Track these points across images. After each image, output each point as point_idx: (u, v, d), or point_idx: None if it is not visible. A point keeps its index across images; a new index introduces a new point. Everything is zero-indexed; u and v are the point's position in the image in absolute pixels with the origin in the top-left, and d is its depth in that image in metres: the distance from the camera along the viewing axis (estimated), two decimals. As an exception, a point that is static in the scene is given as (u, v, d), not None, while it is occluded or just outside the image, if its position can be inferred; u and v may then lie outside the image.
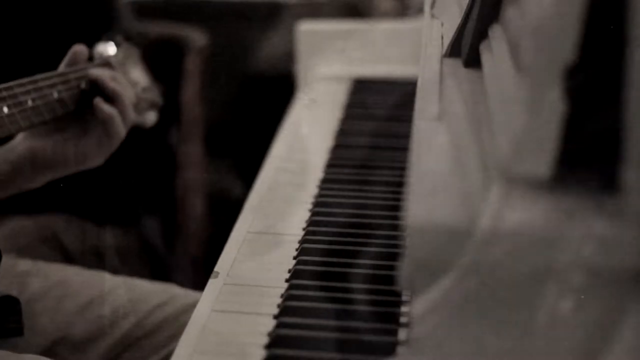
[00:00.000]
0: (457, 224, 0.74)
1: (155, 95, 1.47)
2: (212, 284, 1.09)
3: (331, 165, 1.44)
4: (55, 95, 1.26)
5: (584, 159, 0.75)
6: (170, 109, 2.17)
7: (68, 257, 1.78)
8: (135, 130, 1.38)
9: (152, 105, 1.46)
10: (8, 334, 1.18)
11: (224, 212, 1.82)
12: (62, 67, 1.31)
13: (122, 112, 1.29)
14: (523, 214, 0.74)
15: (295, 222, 1.24)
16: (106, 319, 1.37)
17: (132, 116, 1.32)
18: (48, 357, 1.28)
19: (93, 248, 1.83)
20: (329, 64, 1.87)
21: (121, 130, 1.30)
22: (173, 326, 1.36)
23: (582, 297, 0.71)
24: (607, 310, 0.71)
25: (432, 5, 1.39)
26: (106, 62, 1.37)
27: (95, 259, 1.81)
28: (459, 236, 0.73)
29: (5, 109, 1.18)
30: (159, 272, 2.06)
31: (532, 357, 0.72)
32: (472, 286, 0.72)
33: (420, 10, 1.80)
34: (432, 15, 1.36)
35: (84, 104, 1.30)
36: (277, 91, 2.06)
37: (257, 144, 1.70)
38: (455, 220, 0.74)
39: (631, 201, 0.70)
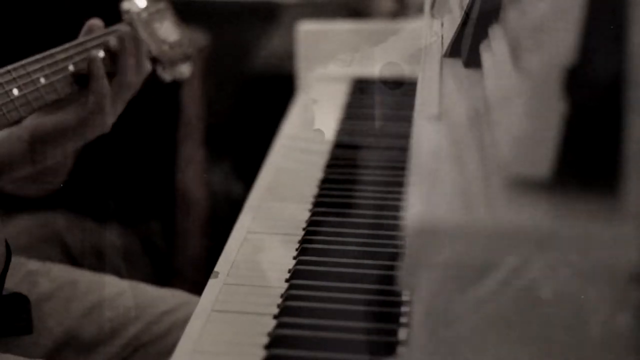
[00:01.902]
0: (457, 223, 0.74)
1: (187, 48, 1.45)
2: (212, 284, 1.09)
3: (331, 165, 1.44)
4: (72, 68, 1.24)
5: (584, 159, 0.75)
6: (170, 109, 2.17)
7: (69, 256, 1.78)
8: (135, 130, 1.38)
9: (184, 58, 1.45)
10: (17, 332, 1.17)
11: (224, 212, 1.82)
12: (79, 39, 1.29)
13: (122, 81, 1.28)
14: (523, 214, 0.74)
15: (295, 222, 1.24)
16: (113, 323, 1.37)
17: (137, 81, 1.30)
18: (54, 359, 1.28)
19: (94, 247, 1.83)
20: (329, 65, 1.87)
21: (128, 93, 1.29)
22: (179, 332, 1.36)
23: (581, 296, 0.71)
24: (606, 310, 0.71)
25: (432, 5, 1.39)
26: (128, 23, 1.35)
27: (96, 258, 1.81)
28: (459, 236, 0.73)
29: (15, 91, 1.16)
30: (159, 271, 2.05)
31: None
32: (472, 287, 0.72)
33: (420, 10, 1.80)
34: (432, 15, 1.36)
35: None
36: (277, 91, 2.05)
37: (257, 144, 1.70)
38: (455, 220, 0.74)
39: (631, 201, 0.70)
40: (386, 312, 1.00)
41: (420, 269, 0.74)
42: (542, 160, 0.74)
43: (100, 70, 1.26)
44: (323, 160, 1.46)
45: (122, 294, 1.40)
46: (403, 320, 0.98)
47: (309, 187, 1.36)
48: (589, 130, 0.74)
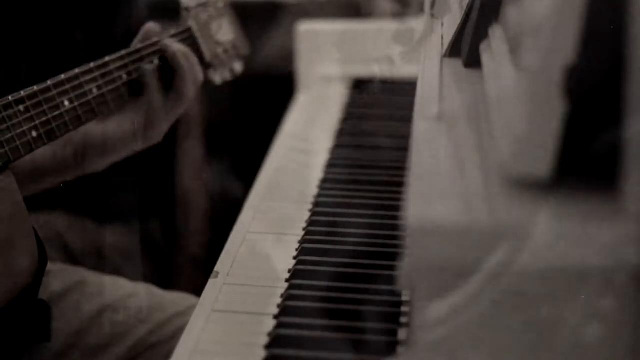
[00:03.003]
0: (457, 224, 0.74)
1: (241, 47, 1.44)
2: (212, 284, 1.09)
3: (331, 165, 1.44)
4: (125, 77, 1.23)
5: (584, 159, 0.75)
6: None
7: (70, 256, 1.78)
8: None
9: (238, 57, 1.44)
10: (36, 339, 1.17)
11: (224, 212, 1.82)
12: (134, 45, 1.28)
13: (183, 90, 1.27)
14: (522, 214, 0.74)
15: (295, 222, 1.24)
16: (122, 325, 1.37)
17: (192, 95, 1.29)
18: None
19: (94, 247, 1.83)
20: (328, 64, 1.87)
21: (182, 107, 1.28)
22: None
23: (582, 297, 0.71)
24: (606, 310, 0.71)
25: (432, 5, 1.39)
26: (186, 29, 1.34)
27: (96, 258, 1.81)
28: (459, 236, 0.73)
29: (67, 103, 1.15)
30: (159, 271, 2.05)
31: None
32: (475, 287, 0.72)
33: (420, 10, 1.80)
34: (432, 15, 1.36)
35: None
36: (277, 91, 2.05)
37: (257, 144, 1.70)
38: (455, 220, 0.74)
39: (631, 201, 0.70)
40: (386, 312, 1.00)
41: (420, 269, 0.74)
42: (542, 160, 0.74)
43: (154, 83, 1.24)
44: (323, 160, 1.46)
45: (131, 296, 1.40)
46: (403, 320, 0.98)
47: (309, 187, 1.36)
48: (589, 130, 0.74)
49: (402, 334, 0.96)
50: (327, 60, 1.88)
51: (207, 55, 1.35)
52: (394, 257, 1.10)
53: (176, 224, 2.23)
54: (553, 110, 0.74)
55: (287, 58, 2.06)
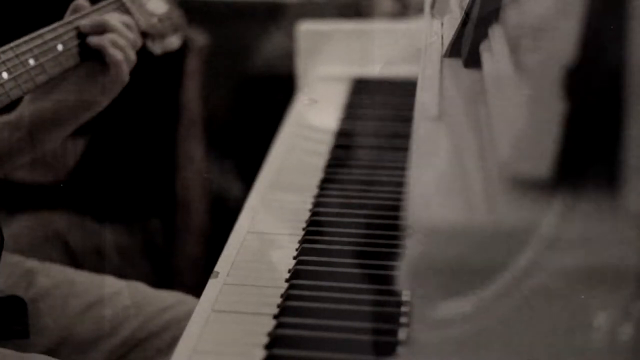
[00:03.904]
0: (457, 224, 0.74)
1: (176, 19, 1.46)
2: (212, 284, 1.09)
3: (331, 165, 1.45)
4: (60, 47, 1.25)
5: (584, 159, 0.75)
6: (170, 109, 2.18)
7: (70, 255, 1.78)
8: (135, 129, 1.38)
9: (174, 30, 1.45)
10: (13, 336, 1.17)
11: (224, 212, 1.82)
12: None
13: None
14: (523, 214, 0.74)
15: (295, 222, 1.24)
16: (110, 321, 1.37)
17: (132, 58, 1.30)
18: (51, 357, 1.28)
19: (95, 246, 1.83)
20: (328, 64, 1.87)
21: (125, 75, 1.29)
22: (177, 328, 1.36)
23: (582, 297, 0.71)
24: (606, 311, 0.71)
25: (432, 5, 1.39)
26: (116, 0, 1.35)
27: (96, 257, 1.81)
28: (459, 236, 0.73)
29: (5, 75, 1.17)
30: (159, 271, 2.05)
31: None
32: (472, 287, 0.72)
33: (420, 10, 1.80)
34: (432, 15, 1.36)
35: (88, 50, 1.28)
36: (277, 91, 2.05)
37: (257, 144, 1.70)
38: (456, 220, 0.74)
39: (631, 201, 0.70)
40: (386, 312, 1.00)
41: (420, 269, 0.74)
42: (542, 160, 0.74)
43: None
44: (323, 161, 1.46)
45: (119, 293, 1.40)
46: (403, 320, 0.98)
47: (309, 188, 1.36)
48: (589, 130, 0.74)
49: (402, 334, 0.96)
50: (327, 60, 1.88)
51: (142, 24, 1.37)
52: (394, 257, 1.10)
53: (176, 224, 2.23)
54: (553, 110, 0.74)
55: (287, 58, 2.06)
